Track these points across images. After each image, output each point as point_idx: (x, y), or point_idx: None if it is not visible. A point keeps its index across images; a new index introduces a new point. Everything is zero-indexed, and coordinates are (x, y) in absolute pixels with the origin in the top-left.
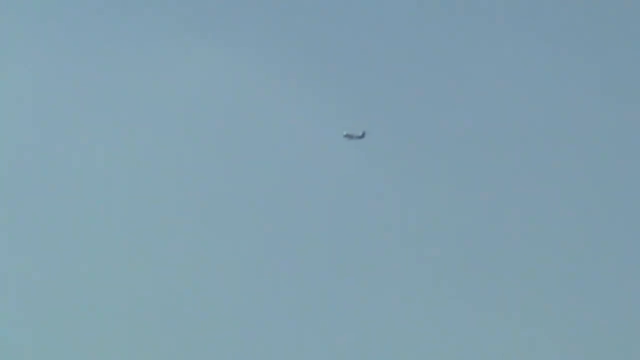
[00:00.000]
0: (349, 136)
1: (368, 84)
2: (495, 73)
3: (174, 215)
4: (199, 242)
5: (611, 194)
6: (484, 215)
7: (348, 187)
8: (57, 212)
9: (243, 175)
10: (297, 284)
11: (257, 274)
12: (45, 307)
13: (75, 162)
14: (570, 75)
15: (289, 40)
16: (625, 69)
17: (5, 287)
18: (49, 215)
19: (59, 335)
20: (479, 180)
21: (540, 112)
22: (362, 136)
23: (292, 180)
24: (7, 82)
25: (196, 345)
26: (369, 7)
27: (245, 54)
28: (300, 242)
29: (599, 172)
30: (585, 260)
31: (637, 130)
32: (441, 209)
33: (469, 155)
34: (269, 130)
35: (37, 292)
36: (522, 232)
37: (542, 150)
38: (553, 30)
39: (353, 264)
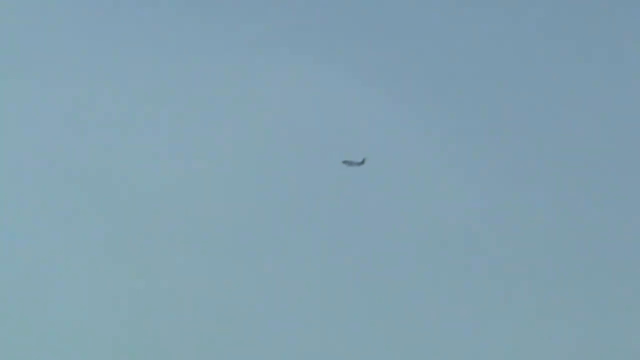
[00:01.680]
0: (348, 162)
1: (452, 90)
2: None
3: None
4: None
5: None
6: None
7: (435, 190)
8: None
9: (323, 181)
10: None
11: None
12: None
13: (155, 166)
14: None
15: (373, 51)
16: None
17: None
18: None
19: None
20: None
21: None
22: (362, 163)
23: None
24: (92, 81)
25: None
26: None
27: (330, 65)
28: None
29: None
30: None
31: None
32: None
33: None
34: (353, 136)
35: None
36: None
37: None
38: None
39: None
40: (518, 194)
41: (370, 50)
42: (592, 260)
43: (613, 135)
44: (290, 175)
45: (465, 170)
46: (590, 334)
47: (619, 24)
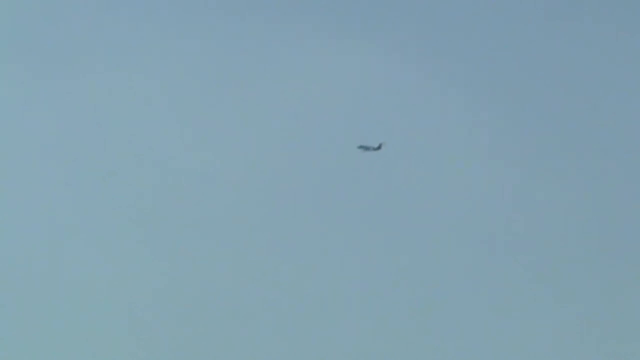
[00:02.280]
0: (364, 147)
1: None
2: None
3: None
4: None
5: None
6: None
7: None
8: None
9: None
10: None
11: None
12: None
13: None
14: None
15: (437, 46)
16: None
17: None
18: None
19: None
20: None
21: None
22: (379, 148)
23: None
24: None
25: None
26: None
27: (395, 57)
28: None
29: None
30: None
31: None
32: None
33: None
34: (413, 128)
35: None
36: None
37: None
38: None
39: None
40: (543, 192)
41: (398, 37)
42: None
43: None
44: (311, 161)
45: (485, 158)
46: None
47: None
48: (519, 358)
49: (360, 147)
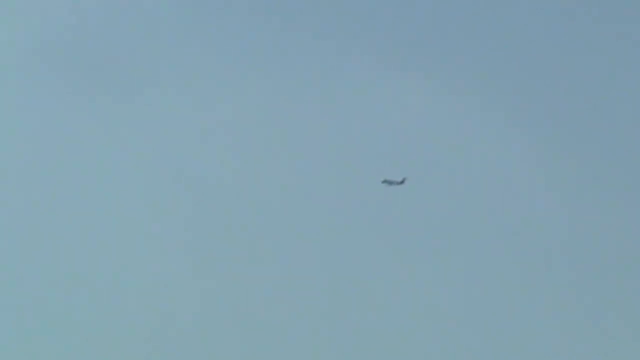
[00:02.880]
0: (387, 182)
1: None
2: None
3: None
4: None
5: None
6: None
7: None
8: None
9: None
10: None
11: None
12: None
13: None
14: None
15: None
16: None
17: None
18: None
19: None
20: None
21: None
22: (402, 182)
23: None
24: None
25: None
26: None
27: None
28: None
29: None
30: None
31: None
32: None
33: None
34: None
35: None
36: None
37: None
38: None
39: None
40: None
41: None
42: None
43: None
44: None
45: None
46: None
47: None
48: None
49: (384, 181)
